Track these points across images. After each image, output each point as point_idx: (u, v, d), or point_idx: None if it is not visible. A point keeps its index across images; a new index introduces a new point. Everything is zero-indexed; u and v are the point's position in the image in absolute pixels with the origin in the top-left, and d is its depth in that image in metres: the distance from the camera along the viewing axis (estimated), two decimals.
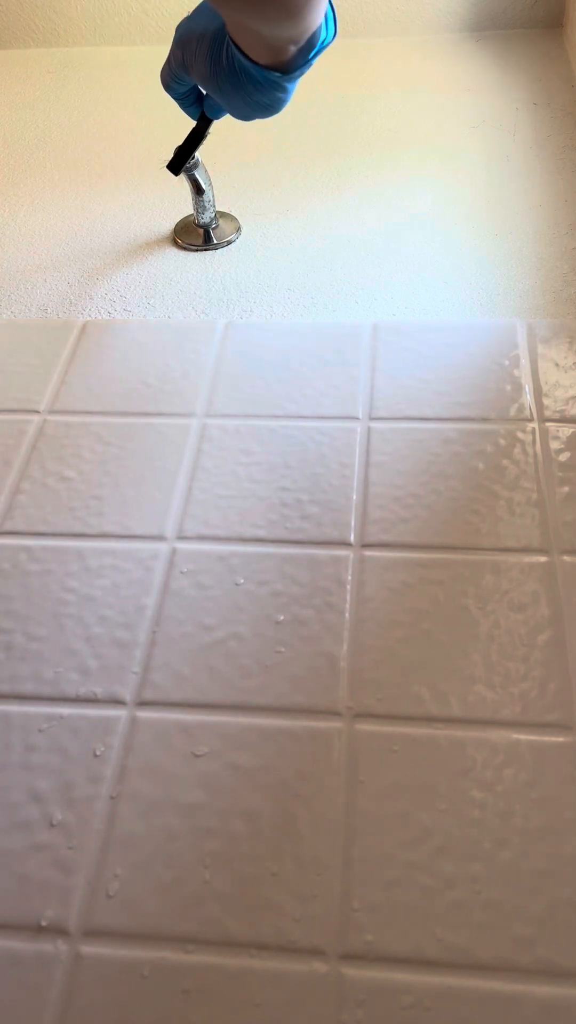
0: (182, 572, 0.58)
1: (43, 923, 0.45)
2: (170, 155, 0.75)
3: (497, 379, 0.69)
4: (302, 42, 0.51)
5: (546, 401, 0.67)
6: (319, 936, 0.44)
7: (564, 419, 0.65)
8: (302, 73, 0.54)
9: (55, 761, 0.50)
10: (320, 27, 0.51)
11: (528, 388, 0.68)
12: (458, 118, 1.00)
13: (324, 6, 0.49)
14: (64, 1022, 0.42)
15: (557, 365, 0.70)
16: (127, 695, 0.53)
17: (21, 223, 0.91)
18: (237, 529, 0.61)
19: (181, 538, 0.60)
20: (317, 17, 0.49)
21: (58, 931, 0.44)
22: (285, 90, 0.56)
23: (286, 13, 0.47)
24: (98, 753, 0.50)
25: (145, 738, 0.51)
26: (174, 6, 1.16)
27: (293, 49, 0.51)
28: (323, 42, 0.53)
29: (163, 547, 0.60)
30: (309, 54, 0.52)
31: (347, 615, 0.55)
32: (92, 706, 0.52)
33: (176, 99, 0.67)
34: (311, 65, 0.54)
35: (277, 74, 0.54)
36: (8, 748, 0.51)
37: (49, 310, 0.80)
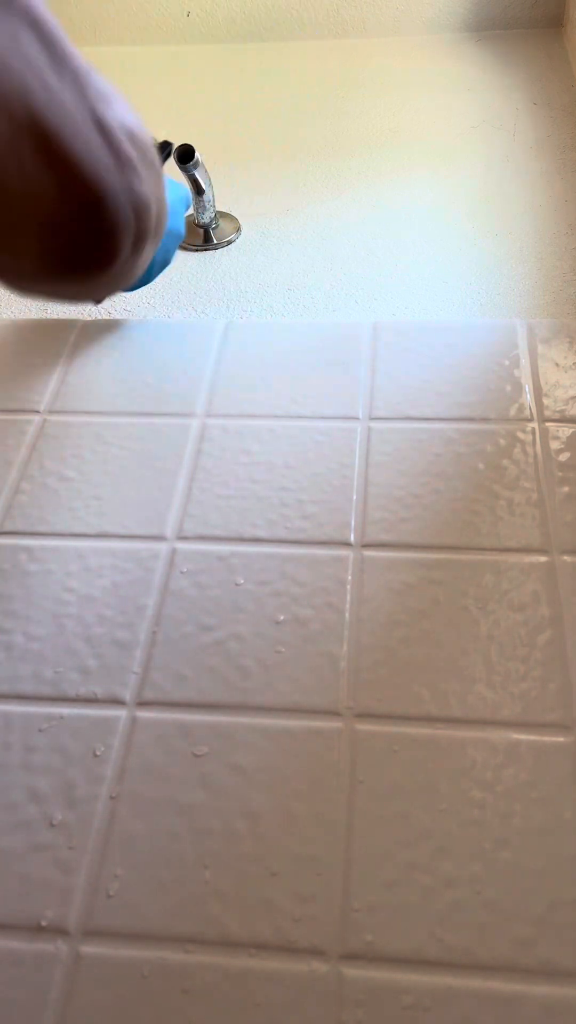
0: (182, 572, 0.58)
1: (43, 923, 0.45)
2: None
3: (497, 379, 0.69)
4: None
5: (546, 401, 0.67)
6: (319, 936, 0.44)
7: (564, 419, 0.65)
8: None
9: (55, 761, 0.50)
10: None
11: (528, 388, 0.68)
12: (458, 118, 1.00)
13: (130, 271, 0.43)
14: (64, 1022, 0.42)
15: (557, 365, 0.70)
16: (127, 695, 0.53)
17: None
18: (237, 529, 0.61)
19: (181, 538, 0.60)
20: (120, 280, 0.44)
21: (58, 931, 0.44)
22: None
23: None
24: (98, 753, 0.50)
25: (145, 738, 0.51)
26: (174, 6, 1.16)
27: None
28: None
29: (163, 547, 0.60)
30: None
31: (347, 615, 0.55)
32: (92, 706, 0.52)
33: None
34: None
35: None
36: (8, 748, 0.51)
37: (49, 310, 0.80)
